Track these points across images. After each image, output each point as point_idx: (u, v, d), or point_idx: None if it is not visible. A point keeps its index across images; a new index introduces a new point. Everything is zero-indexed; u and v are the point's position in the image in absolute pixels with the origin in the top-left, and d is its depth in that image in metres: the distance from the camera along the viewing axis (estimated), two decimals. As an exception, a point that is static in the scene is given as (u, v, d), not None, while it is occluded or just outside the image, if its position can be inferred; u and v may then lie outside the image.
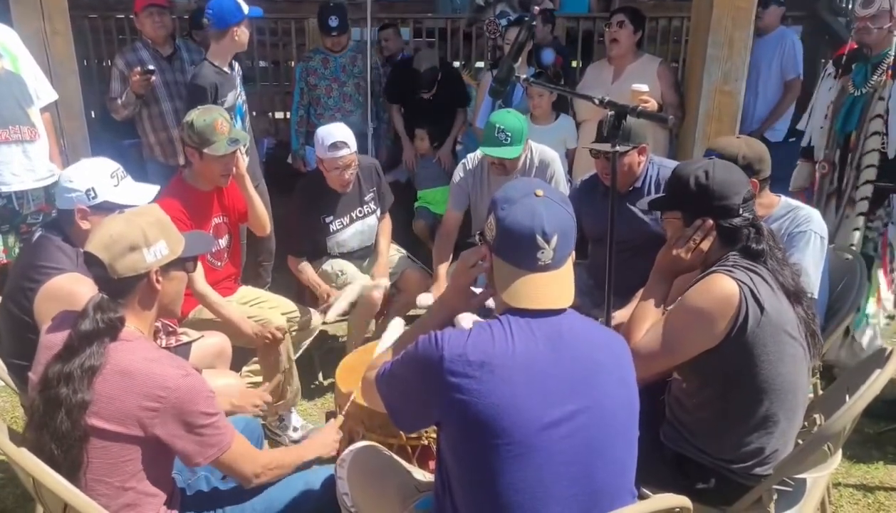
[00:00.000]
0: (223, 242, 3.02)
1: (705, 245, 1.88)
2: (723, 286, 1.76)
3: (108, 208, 2.07)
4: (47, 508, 1.62)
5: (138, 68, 3.71)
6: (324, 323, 2.60)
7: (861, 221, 3.04)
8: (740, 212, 1.85)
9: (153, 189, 2.31)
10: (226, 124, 2.82)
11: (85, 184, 2.13)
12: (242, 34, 3.45)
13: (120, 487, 1.58)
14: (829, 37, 5.48)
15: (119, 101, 3.81)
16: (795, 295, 1.85)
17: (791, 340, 1.80)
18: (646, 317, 1.93)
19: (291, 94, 4.60)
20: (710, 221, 1.87)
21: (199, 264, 2.75)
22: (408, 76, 4.46)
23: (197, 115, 2.78)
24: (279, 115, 5.14)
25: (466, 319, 2.00)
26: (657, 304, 1.95)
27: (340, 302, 2.50)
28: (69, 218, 2.16)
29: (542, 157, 3.34)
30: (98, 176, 2.15)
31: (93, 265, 1.63)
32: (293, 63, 5.54)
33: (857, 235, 3.05)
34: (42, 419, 1.54)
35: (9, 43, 3.07)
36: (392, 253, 3.57)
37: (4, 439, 1.56)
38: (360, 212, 3.40)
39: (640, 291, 2.04)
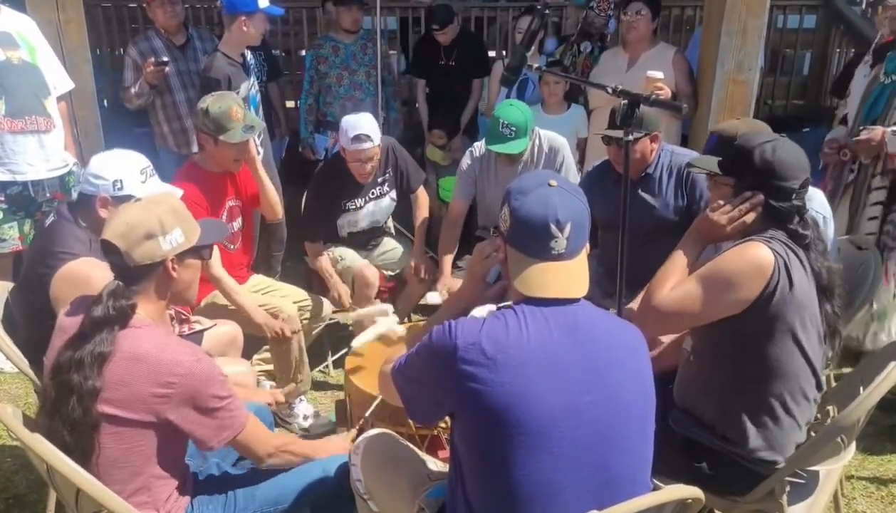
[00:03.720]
0: (237, 224, 3.04)
1: (749, 218, 1.85)
2: (758, 253, 1.74)
3: None
4: (60, 493, 1.64)
5: (152, 59, 3.71)
6: (348, 350, 2.59)
7: (878, 210, 3.00)
8: (793, 198, 1.82)
9: (178, 192, 2.32)
10: (240, 111, 2.82)
11: (113, 175, 2.16)
12: (252, 26, 3.38)
13: (133, 472, 1.59)
14: (843, 26, 5.41)
15: (132, 91, 3.82)
16: (828, 291, 1.82)
17: (811, 326, 1.79)
18: (673, 273, 1.89)
19: (301, 82, 4.60)
20: (761, 196, 1.83)
21: (216, 249, 2.77)
22: (429, 45, 4.49)
23: (212, 102, 2.78)
24: (290, 104, 5.14)
25: (480, 311, 2.00)
26: (685, 264, 1.91)
27: (367, 334, 2.50)
28: (89, 204, 2.17)
29: (551, 144, 3.31)
30: (128, 170, 2.18)
31: (109, 253, 1.64)
32: (304, 52, 5.54)
33: (875, 223, 3.01)
34: (54, 405, 1.56)
35: (27, 33, 3.08)
36: (394, 246, 3.58)
37: (18, 425, 1.57)
38: (374, 193, 3.40)
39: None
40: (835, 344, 1.86)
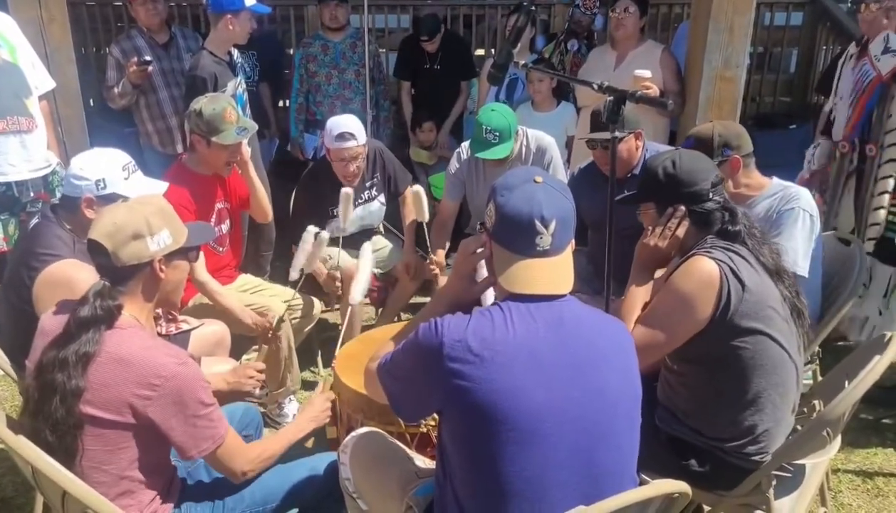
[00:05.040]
0: (225, 227, 3.02)
1: (680, 232, 1.92)
2: (702, 267, 1.79)
3: (115, 200, 2.07)
4: (47, 496, 1.63)
5: (135, 59, 3.69)
6: (351, 304, 2.69)
7: (886, 199, 3.00)
8: (710, 196, 1.90)
9: (163, 186, 2.30)
10: (234, 113, 2.81)
11: (95, 174, 2.13)
12: (238, 25, 3.37)
13: (117, 475, 1.58)
14: (829, 23, 5.45)
15: (116, 90, 3.79)
16: (777, 273, 1.87)
17: (776, 315, 1.82)
18: (633, 309, 1.94)
19: (290, 81, 4.58)
20: (682, 208, 1.91)
21: (201, 253, 2.75)
22: (415, 48, 4.51)
23: (205, 104, 2.76)
24: (278, 103, 5.13)
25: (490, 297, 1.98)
26: (642, 295, 1.98)
27: (361, 277, 2.58)
28: (73, 205, 2.15)
29: (538, 143, 3.32)
30: (109, 167, 2.16)
31: (96, 253, 1.63)
32: (292, 50, 5.51)
33: (882, 213, 3.02)
34: (37, 405, 1.54)
35: (7, 32, 3.04)
36: (384, 245, 3.57)
37: (3, 428, 1.56)
38: (362, 198, 3.39)
39: None
40: (803, 323, 1.90)
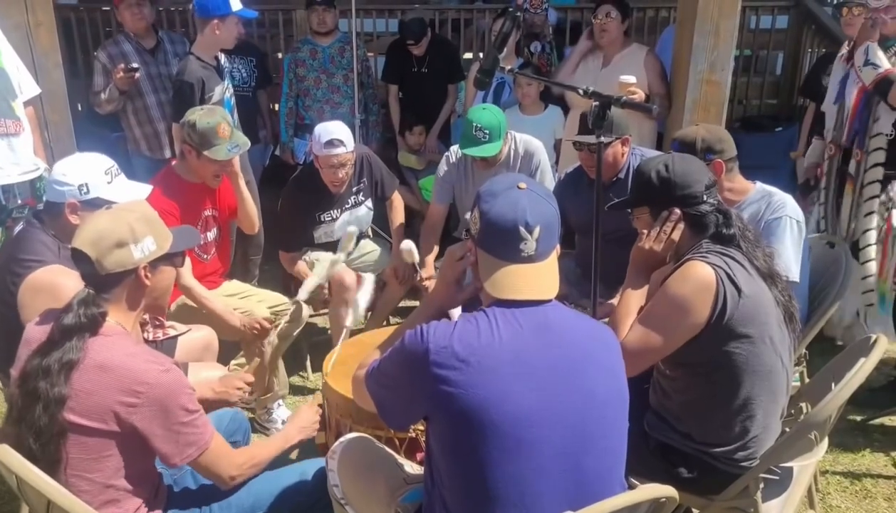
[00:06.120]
0: (211, 235, 3.00)
1: (676, 235, 1.92)
2: (699, 273, 1.79)
3: (99, 205, 2.05)
4: (31, 505, 1.61)
5: (122, 66, 3.67)
6: (295, 301, 2.70)
7: (875, 203, 3.02)
8: (704, 198, 1.90)
9: (146, 188, 2.29)
10: (228, 128, 2.79)
11: (78, 179, 2.12)
12: (225, 30, 3.37)
13: (102, 483, 1.57)
14: (814, 26, 5.49)
15: (102, 96, 3.77)
16: (770, 276, 1.88)
17: (771, 320, 1.83)
18: (628, 314, 1.94)
19: (280, 85, 4.57)
20: (677, 211, 1.91)
21: (187, 258, 2.74)
22: (402, 52, 4.51)
23: (200, 116, 2.74)
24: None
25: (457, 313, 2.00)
26: (637, 299, 1.97)
27: (310, 280, 2.60)
28: (57, 210, 2.14)
29: (526, 147, 3.33)
30: (92, 172, 2.14)
31: (80, 262, 1.62)
32: (280, 55, 5.51)
33: (874, 218, 3.04)
34: (20, 413, 1.53)
35: None
36: (372, 248, 3.57)
37: (-14, 436, 1.55)
38: (349, 203, 3.39)
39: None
40: (794, 327, 1.91)
